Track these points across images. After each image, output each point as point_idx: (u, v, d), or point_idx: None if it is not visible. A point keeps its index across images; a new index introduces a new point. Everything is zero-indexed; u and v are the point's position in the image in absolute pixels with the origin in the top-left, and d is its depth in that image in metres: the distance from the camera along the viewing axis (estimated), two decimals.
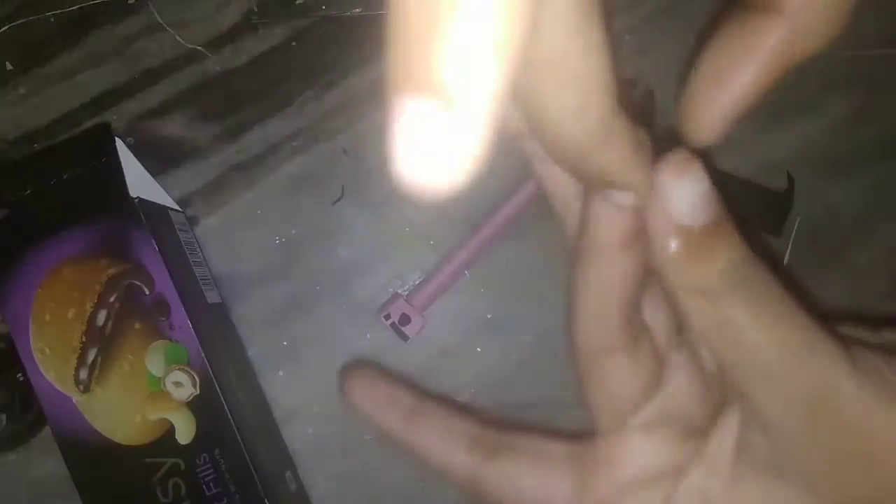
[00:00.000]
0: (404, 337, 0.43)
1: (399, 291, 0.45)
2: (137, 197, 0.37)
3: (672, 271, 0.21)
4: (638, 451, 0.24)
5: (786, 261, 0.46)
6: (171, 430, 0.37)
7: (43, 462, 0.44)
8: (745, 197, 0.46)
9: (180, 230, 0.42)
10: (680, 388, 0.25)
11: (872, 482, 0.20)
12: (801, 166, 0.47)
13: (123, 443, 0.37)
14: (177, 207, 0.44)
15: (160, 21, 0.45)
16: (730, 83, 0.21)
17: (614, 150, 0.17)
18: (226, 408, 0.37)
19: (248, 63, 0.46)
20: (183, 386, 0.37)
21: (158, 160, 0.45)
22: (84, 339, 0.36)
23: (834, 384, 0.20)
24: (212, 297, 0.42)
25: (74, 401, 0.37)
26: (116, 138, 0.40)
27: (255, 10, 0.46)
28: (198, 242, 0.44)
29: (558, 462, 0.26)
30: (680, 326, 0.26)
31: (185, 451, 0.37)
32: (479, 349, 0.45)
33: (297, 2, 0.46)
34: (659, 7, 0.47)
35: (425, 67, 0.10)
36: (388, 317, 0.43)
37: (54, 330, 0.37)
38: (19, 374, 0.39)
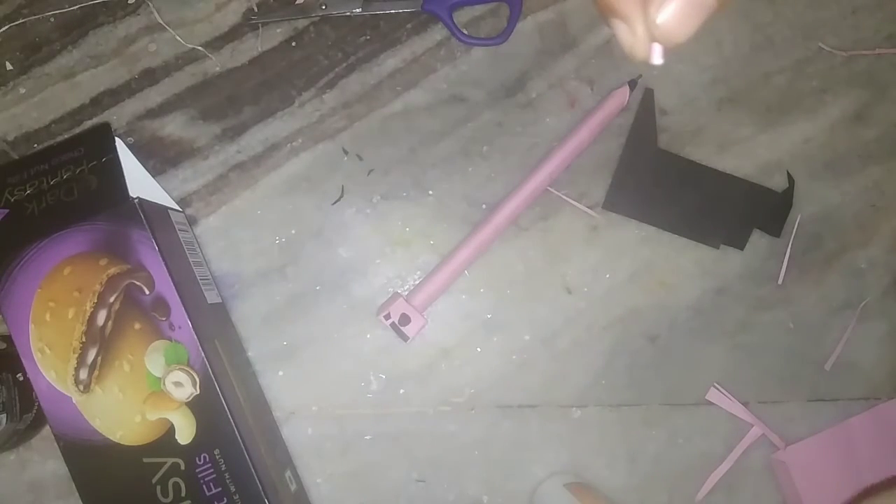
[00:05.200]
0: (404, 337, 0.43)
1: (399, 291, 0.45)
2: (137, 197, 0.37)
3: None
4: None
5: (786, 261, 0.46)
6: (171, 430, 0.37)
7: (43, 462, 0.44)
8: (745, 197, 0.46)
9: (180, 230, 0.42)
10: None
11: None
12: (801, 166, 0.47)
13: (123, 443, 0.37)
14: (177, 207, 0.44)
15: (160, 21, 0.45)
16: None
17: None
18: (226, 408, 0.37)
19: (248, 63, 0.46)
20: (183, 386, 0.37)
21: (158, 160, 0.45)
22: (84, 339, 0.36)
23: None
24: (212, 297, 0.42)
25: (74, 401, 0.37)
26: (116, 138, 0.40)
27: (255, 10, 0.46)
28: (198, 242, 0.44)
29: None
30: None
31: (185, 451, 0.37)
32: (479, 349, 0.45)
33: (297, 2, 0.46)
34: None
35: None
36: (388, 317, 0.43)
37: (54, 330, 0.37)
38: (19, 374, 0.39)
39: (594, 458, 0.46)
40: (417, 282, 0.45)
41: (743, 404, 0.46)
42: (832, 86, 0.47)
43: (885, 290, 0.47)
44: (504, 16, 0.46)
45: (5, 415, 0.38)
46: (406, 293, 0.45)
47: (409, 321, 0.43)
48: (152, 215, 0.38)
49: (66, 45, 0.45)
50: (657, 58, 0.24)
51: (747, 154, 0.47)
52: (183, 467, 0.37)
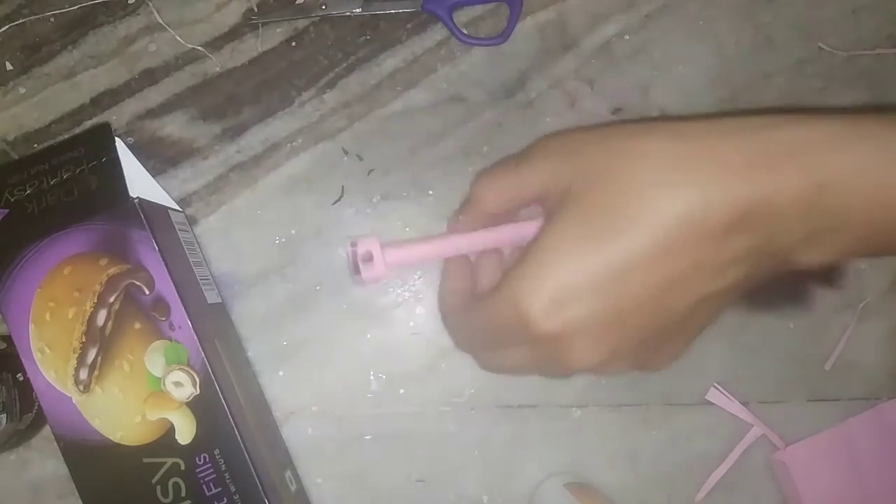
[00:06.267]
0: (357, 272, 0.36)
1: (382, 242, 0.38)
2: (137, 197, 0.37)
3: None
4: None
5: None
6: (171, 430, 0.37)
7: (43, 462, 0.44)
8: None
9: (180, 230, 0.42)
10: None
11: None
12: None
13: (123, 443, 0.37)
14: (177, 207, 0.44)
15: (160, 21, 0.45)
16: None
17: None
18: (226, 408, 0.37)
19: (248, 63, 0.46)
20: (183, 386, 0.37)
21: (158, 160, 0.45)
22: (84, 339, 0.36)
23: None
24: (212, 297, 0.42)
25: (74, 401, 0.37)
26: (116, 138, 0.40)
27: (255, 10, 0.46)
28: (198, 242, 0.44)
29: None
30: None
31: (185, 451, 0.37)
32: None
33: (297, 2, 0.46)
34: (659, 7, 0.47)
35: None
36: (354, 244, 0.37)
37: (54, 330, 0.37)
38: (19, 374, 0.39)
39: (594, 458, 0.46)
40: (418, 281, 0.45)
41: (743, 404, 0.46)
42: (832, 86, 0.47)
43: (885, 290, 0.47)
44: (504, 16, 0.46)
45: (5, 415, 0.38)
46: (406, 290, 0.45)
47: (371, 261, 0.36)
48: (152, 215, 0.38)
49: (66, 45, 0.45)
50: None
51: None
52: (183, 467, 0.37)
